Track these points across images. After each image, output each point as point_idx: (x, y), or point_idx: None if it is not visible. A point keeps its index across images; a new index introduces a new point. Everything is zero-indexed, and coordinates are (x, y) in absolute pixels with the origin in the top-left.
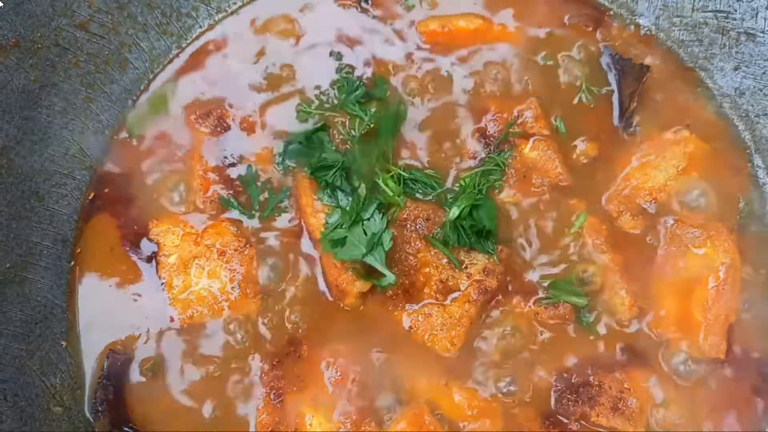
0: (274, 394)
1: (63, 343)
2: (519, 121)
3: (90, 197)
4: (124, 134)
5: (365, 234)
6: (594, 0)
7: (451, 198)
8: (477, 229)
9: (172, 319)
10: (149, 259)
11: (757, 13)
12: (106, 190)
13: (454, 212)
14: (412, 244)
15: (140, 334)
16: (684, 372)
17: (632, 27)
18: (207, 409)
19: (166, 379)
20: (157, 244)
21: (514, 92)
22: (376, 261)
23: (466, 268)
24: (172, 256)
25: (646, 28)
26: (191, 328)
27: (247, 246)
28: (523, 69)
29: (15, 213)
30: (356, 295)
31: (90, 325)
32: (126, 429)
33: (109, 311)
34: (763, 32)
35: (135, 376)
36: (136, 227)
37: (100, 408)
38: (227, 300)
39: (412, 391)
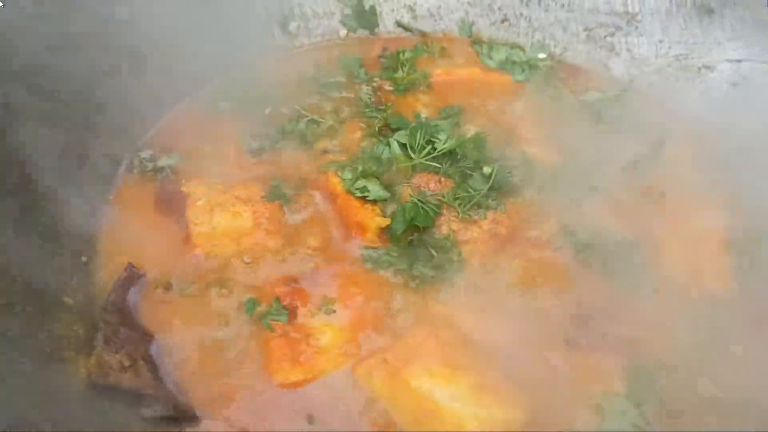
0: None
1: (83, 258)
2: None
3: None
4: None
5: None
6: None
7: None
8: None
9: (194, 247)
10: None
11: None
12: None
13: (487, 170)
14: None
15: (162, 262)
16: None
17: None
18: (219, 317)
19: (181, 294)
20: (187, 193)
21: None
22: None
23: (475, 222)
24: (200, 200)
25: None
26: (212, 258)
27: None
28: None
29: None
30: (375, 231)
31: (113, 251)
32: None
33: (135, 243)
34: None
35: (150, 289)
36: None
37: (109, 308)
38: (250, 234)
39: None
